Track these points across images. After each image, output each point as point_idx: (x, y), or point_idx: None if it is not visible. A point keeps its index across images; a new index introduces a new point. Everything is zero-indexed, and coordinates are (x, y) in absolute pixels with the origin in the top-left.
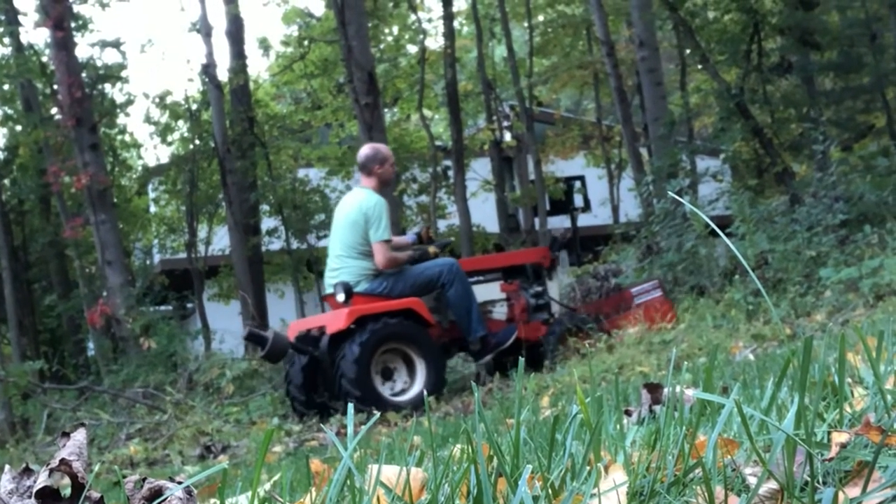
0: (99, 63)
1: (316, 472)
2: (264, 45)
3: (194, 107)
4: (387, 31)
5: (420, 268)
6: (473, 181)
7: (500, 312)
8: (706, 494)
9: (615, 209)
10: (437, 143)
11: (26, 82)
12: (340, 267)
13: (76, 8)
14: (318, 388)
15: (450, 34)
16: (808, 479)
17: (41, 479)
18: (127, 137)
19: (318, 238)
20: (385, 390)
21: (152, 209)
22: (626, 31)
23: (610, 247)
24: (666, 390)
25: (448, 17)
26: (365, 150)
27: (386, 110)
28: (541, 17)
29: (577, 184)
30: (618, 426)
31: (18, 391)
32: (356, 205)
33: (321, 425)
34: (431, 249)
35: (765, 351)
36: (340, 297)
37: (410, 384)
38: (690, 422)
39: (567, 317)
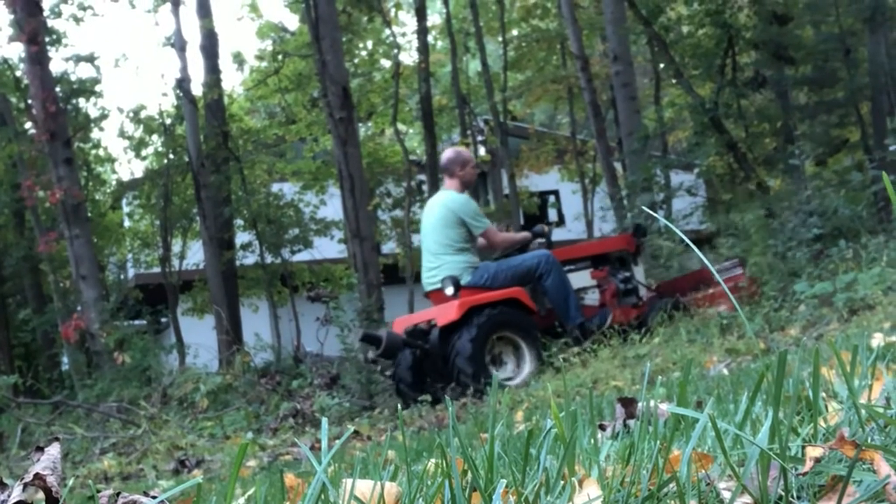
0: (73, 77)
1: (290, 487)
2: (238, 60)
3: (168, 121)
4: (361, 45)
5: (517, 259)
6: None
7: (592, 298)
8: None
9: (589, 223)
10: (412, 157)
11: (0, 97)
12: (439, 264)
13: (50, 22)
14: (426, 381)
15: (424, 49)
16: (783, 493)
17: (15, 494)
18: (101, 152)
19: (291, 252)
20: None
21: (126, 224)
22: (600, 46)
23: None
24: (640, 404)
25: (422, 31)
26: (448, 154)
27: (360, 125)
28: (515, 32)
29: (552, 198)
30: (592, 440)
31: None
32: (444, 205)
33: (295, 440)
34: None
35: (739, 365)
36: (449, 290)
37: (518, 369)
38: (665, 436)
39: (657, 298)
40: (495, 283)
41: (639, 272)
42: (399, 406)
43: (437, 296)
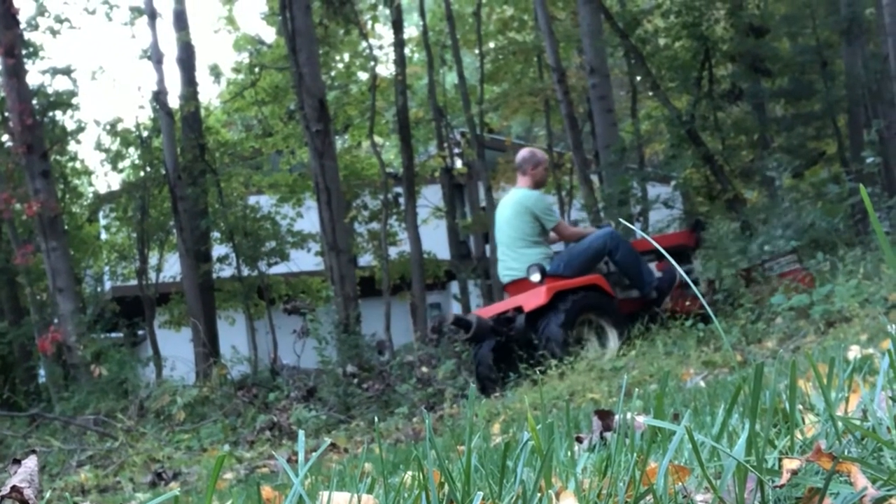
0: (50, 90)
1: (267, 499)
2: (215, 72)
3: (145, 134)
4: (337, 58)
5: (584, 243)
6: (424, 208)
7: None
8: None
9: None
10: (388, 169)
11: None
12: (516, 257)
13: (27, 35)
14: (502, 366)
15: (400, 61)
16: None
17: None
18: (78, 164)
19: (268, 265)
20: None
21: (103, 236)
22: (576, 58)
23: None
24: (617, 417)
25: (399, 43)
26: (522, 153)
27: (337, 137)
28: (492, 44)
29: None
30: (569, 453)
31: None
32: (518, 201)
33: (272, 452)
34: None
35: (716, 377)
36: (536, 277)
37: (603, 349)
38: (641, 448)
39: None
40: (569, 270)
41: (697, 266)
42: (376, 419)
43: (515, 287)
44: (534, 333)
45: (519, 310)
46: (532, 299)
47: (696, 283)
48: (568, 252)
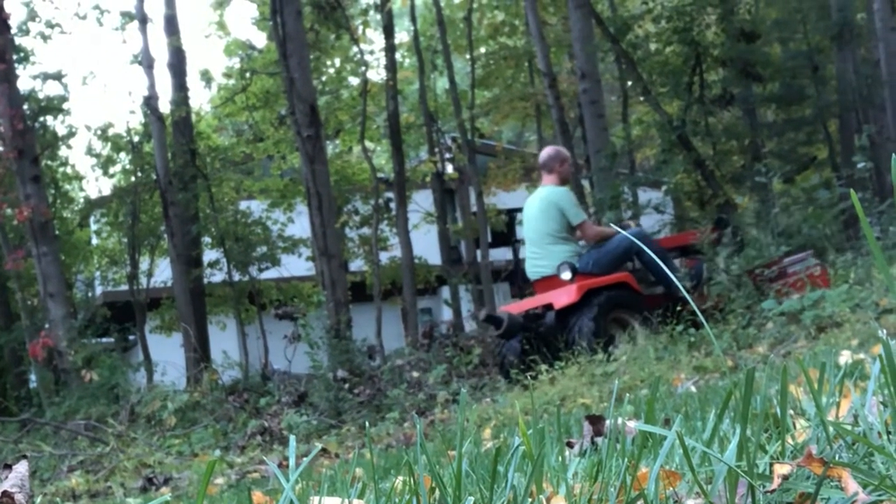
0: (41, 95)
1: None
2: (206, 78)
3: (136, 139)
4: (329, 63)
5: (612, 243)
6: (415, 213)
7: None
8: None
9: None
10: (379, 175)
11: None
12: (544, 254)
13: (18, 40)
14: (528, 361)
15: (392, 66)
16: None
17: None
18: (69, 169)
19: (259, 270)
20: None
21: (94, 241)
22: (567, 63)
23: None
24: (608, 422)
25: (390, 49)
26: (547, 151)
27: (328, 142)
28: (483, 50)
29: (519, 216)
30: (560, 458)
31: None
32: (545, 198)
33: (263, 457)
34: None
35: (707, 383)
36: (567, 275)
37: (632, 346)
38: (632, 454)
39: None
40: (598, 267)
41: (720, 262)
42: (367, 424)
43: (543, 284)
44: (564, 330)
45: (549, 307)
46: (563, 297)
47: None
48: (597, 250)
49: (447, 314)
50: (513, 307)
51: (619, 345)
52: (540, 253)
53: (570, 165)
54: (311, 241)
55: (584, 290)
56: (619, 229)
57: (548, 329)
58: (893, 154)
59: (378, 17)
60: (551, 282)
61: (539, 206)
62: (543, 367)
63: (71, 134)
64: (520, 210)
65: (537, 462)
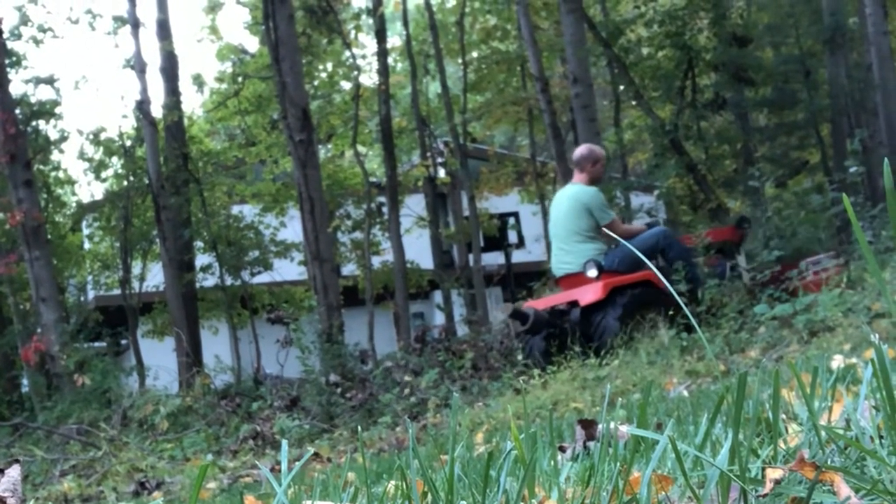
0: (33, 100)
1: None
2: (198, 82)
3: (128, 143)
4: (321, 67)
5: (638, 241)
6: (407, 217)
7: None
8: None
9: (549, 246)
10: (372, 179)
11: None
12: (570, 252)
13: (10, 44)
14: (552, 355)
15: (384, 70)
16: None
17: None
18: (61, 174)
19: (251, 274)
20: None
21: (86, 246)
22: (560, 68)
23: (543, 283)
24: (600, 426)
25: (382, 53)
26: (581, 150)
27: (320, 146)
28: (475, 54)
29: (511, 220)
30: (552, 462)
31: None
32: (574, 197)
33: (255, 462)
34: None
35: (699, 387)
36: (593, 273)
37: (654, 342)
38: (625, 458)
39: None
40: (623, 266)
41: (741, 260)
42: (359, 428)
43: (568, 281)
44: (589, 326)
45: (574, 304)
46: (588, 294)
47: (740, 276)
48: (622, 248)
49: (439, 318)
50: (538, 303)
51: (643, 341)
52: (566, 250)
53: (603, 165)
54: (303, 245)
55: (609, 287)
56: (644, 227)
57: (573, 325)
58: (885, 158)
59: (370, 21)
60: (577, 279)
61: (568, 204)
62: (571, 361)
63: (63, 138)
64: (511, 214)
65: (529, 466)
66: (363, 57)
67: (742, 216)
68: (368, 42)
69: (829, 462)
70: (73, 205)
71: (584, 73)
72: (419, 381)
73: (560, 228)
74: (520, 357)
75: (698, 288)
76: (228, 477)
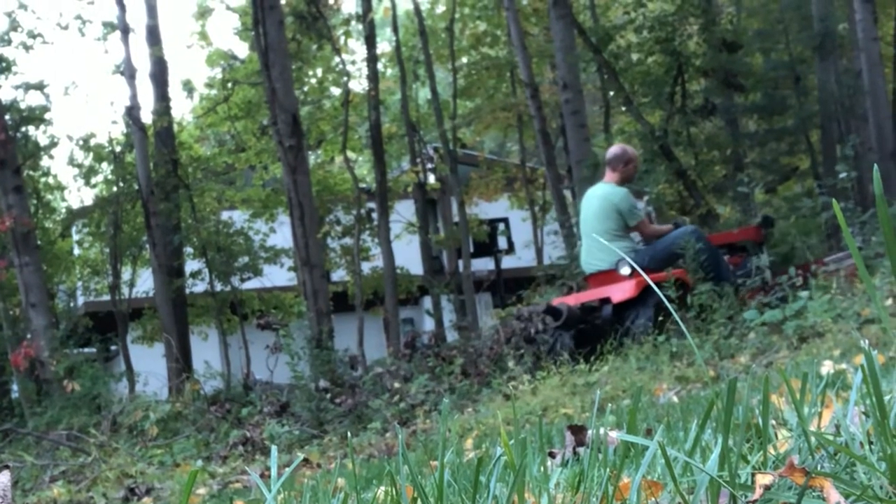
0: (23, 105)
1: None
2: (188, 88)
3: (118, 149)
4: (310, 73)
5: (667, 240)
6: (397, 223)
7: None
8: None
9: (539, 251)
10: (361, 185)
11: None
12: (601, 249)
13: (0, 50)
14: (579, 349)
15: (374, 76)
16: None
17: None
18: (51, 180)
19: (241, 280)
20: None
21: (76, 251)
22: (549, 74)
23: (533, 289)
24: (590, 432)
25: (372, 59)
26: (614, 149)
27: (310, 152)
28: (465, 60)
29: (501, 226)
30: (542, 468)
31: None
32: (604, 196)
33: (245, 468)
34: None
35: (689, 393)
36: (626, 271)
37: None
38: (614, 464)
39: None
40: (653, 264)
41: (764, 260)
42: (349, 434)
43: (598, 278)
44: (620, 323)
45: (606, 300)
46: (621, 291)
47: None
48: (653, 247)
49: (429, 324)
50: (568, 299)
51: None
52: (596, 248)
53: (635, 166)
54: (292, 251)
55: (642, 286)
56: (672, 227)
57: (605, 321)
58: (875, 164)
59: (360, 27)
60: (607, 276)
61: (598, 204)
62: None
63: (53, 144)
64: (501, 220)
65: (519, 472)
66: (353, 63)
67: (766, 216)
68: (358, 48)
69: (818, 468)
70: (63, 210)
71: (573, 79)
72: (409, 387)
73: (590, 227)
74: (543, 349)
75: (726, 283)
76: (218, 483)
